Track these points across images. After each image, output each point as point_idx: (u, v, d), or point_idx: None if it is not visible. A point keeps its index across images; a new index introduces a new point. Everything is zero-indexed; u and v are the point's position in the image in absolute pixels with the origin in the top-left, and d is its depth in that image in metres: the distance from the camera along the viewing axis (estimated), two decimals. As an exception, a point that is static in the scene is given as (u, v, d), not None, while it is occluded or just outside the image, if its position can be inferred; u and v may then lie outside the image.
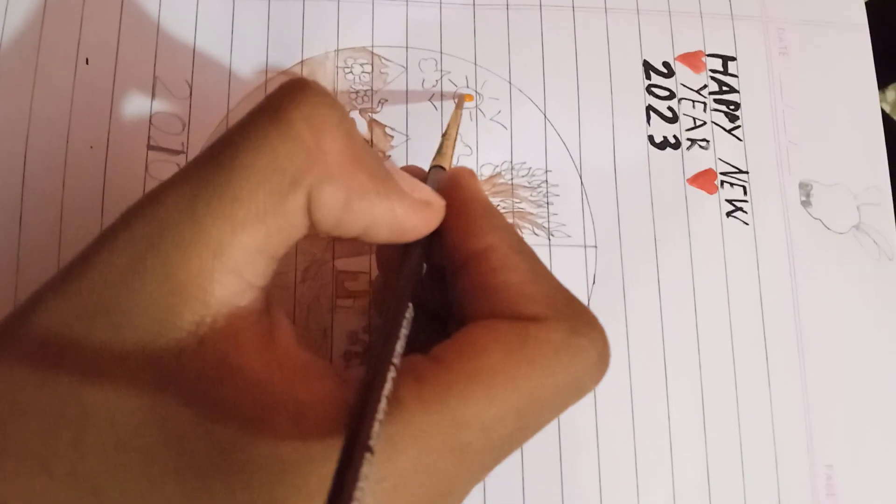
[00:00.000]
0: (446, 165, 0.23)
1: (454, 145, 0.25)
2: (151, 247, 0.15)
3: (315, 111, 0.16)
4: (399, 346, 0.16)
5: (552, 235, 0.28)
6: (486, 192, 0.28)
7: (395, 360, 0.16)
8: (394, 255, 0.21)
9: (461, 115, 0.27)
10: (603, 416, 0.26)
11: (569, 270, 0.28)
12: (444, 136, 0.25)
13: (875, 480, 0.27)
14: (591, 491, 0.26)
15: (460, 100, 0.28)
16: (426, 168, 0.24)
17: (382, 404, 0.15)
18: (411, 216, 0.18)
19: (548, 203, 0.28)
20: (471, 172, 0.21)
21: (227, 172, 0.16)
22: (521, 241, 0.20)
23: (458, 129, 0.26)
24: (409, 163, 0.28)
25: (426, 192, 0.19)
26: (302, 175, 0.16)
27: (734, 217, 0.29)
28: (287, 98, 0.16)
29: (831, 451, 0.27)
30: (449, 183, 0.21)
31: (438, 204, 0.19)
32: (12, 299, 0.26)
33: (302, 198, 0.16)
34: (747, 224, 0.29)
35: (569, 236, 0.28)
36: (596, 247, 0.28)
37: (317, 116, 0.16)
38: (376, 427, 0.14)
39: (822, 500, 0.26)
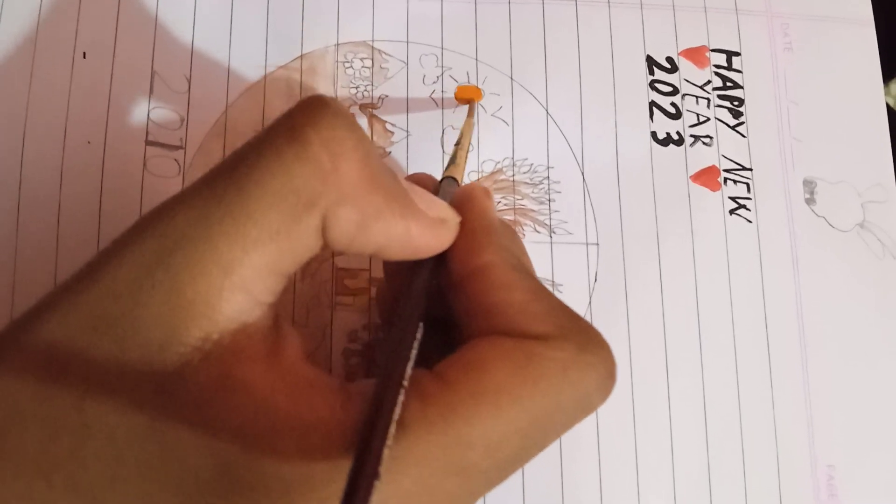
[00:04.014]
0: (459, 176, 0.22)
1: (467, 155, 0.24)
2: (161, 262, 0.15)
3: (333, 133, 0.16)
4: (409, 368, 0.16)
5: (554, 233, 0.28)
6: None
7: (405, 383, 0.16)
8: (401, 265, 0.21)
9: (473, 123, 0.26)
10: (604, 415, 0.26)
11: (570, 268, 0.27)
12: (456, 145, 0.24)
13: (877, 481, 0.27)
14: (591, 489, 0.26)
15: (471, 108, 0.27)
16: (429, 172, 0.23)
17: (392, 429, 0.14)
18: (426, 235, 0.18)
19: (549, 200, 0.28)
20: (486, 191, 0.21)
21: (241, 191, 0.15)
22: (521, 259, 0.19)
23: (470, 138, 0.25)
24: (410, 158, 0.28)
25: (442, 209, 0.19)
26: (317, 197, 0.16)
27: (737, 215, 0.28)
28: (304, 118, 0.16)
29: (833, 451, 0.27)
30: (462, 200, 0.20)
31: (454, 221, 0.19)
32: (10, 293, 0.25)
33: (316, 219, 0.16)
34: (750, 222, 0.28)
35: (570, 233, 0.28)
36: (598, 244, 0.28)
37: (334, 139, 0.16)
38: (385, 454, 0.14)
39: (823, 501, 0.26)
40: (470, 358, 0.17)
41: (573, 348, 0.17)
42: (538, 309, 0.18)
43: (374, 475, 0.13)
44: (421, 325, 0.17)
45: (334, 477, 0.15)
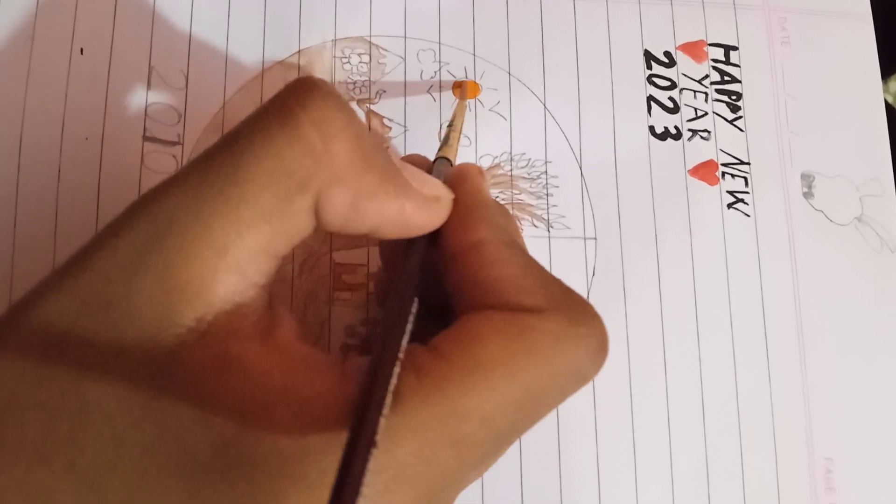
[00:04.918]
0: (452, 157, 0.23)
1: (460, 136, 0.25)
2: (154, 245, 0.15)
3: (324, 114, 0.16)
4: (404, 341, 0.16)
5: (551, 227, 0.28)
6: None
7: (401, 355, 0.16)
8: (396, 248, 0.21)
9: (466, 105, 0.27)
10: (602, 409, 0.26)
11: (568, 262, 0.27)
12: (449, 126, 0.24)
13: (875, 474, 0.27)
14: (589, 482, 0.26)
15: (464, 90, 0.28)
16: (425, 155, 0.24)
17: (388, 399, 0.15)
18: (421, 213, 0.18)
19: (547, 194, 0.28)
20: (480, 170, 0.21)
21: (233, 173, 0.16)
22: (512, 237, 0.19)
23: (463, 119, 0.25)
24: (407, 153, 0.28)
25: (436, 186, 0.19)
26: (309, 178, 0.16)
27: (735, 209, 0.28)
28: (295, 99, 0.16)
29: (831, 444, 0.27)
30: (456, 178, 0.20)
31: (447, 199, 0.19)
32: (8, 290, 0.25)
33: (309, 200, 0.16)
34: (748, 216, 0.28)
35: (568, 228, 0.28)
36: (596, 239, 0.28)
37: (325, 119, 0.16)
38: (382, 423, 0.14)
39: (820, 494, 0.26)
40: (463, 332, 0.17)
41: (565, 320, 0.17)
42: (530, 283, 0.18)
43: (371, 443, 0.14)
44: (416, 300, 0.17)
45: (331, 449, 0.15)
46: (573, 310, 0.17)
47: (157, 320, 0.15)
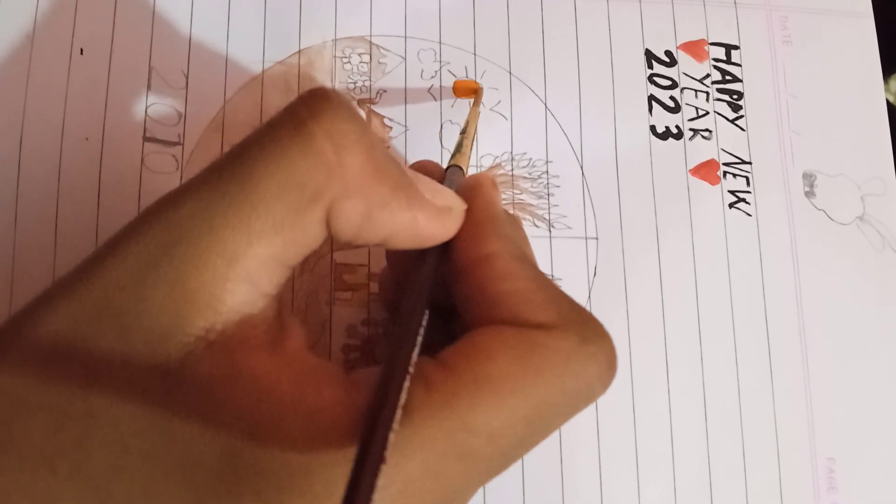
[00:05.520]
0: (464, 165, 0.22)
1: (472, 144, 0.24)
2: (165, 253, 0.15)
3: (337, 126, 0.16)
4: (415, 355, 0.16)
5: (553, 227, 0.28)
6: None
7: (411, 369, 0.16)
8: (406, 253, 0.21)
9: (479, 112, 0.26)
10: (603, 408, 0.26)
11: (570, 262, 0.27)
12: (462, 134, 0.24)
13: (877, 473, 0.27)
14: (591, 483, 0.26)
15: (477, 96, 0.27)
16: (432, 159, 0.23)
17: (398, 415, 0.14)
18: (433, 224, 0.18)
19: (548, 194, 0.28)
20: (493, 182, 0.21)
21: (246, 184, 0.16)
22: (523, 250, 0.19)
23: (476, 126, 0.25)
24: (408, 153, 0.28)
25: (448, 197, 0.19)
26: (322, 190, 0.16)
27: (737, 208, 0.28)
28: (308, 110, 0.16)
29: (833, 444, 0.27)
30: (469, 189, 0.20)
31: (459, 209, 0.19)
32: (9, 291, 0.25)
33: (321, 211, 0.16)
34: (750, 215, 0.28)
35: (570, 228, 0.28)
36: (597, 238, 0.28)
37: (338, 131, 0.16)
38: (391, 438, 0.14)
39: (823, 493, 0.26)
40: (473, 346, 0.17)
41: (575, 338, 0.17)
42: (541, 298, 0.18)
43: (381, 459, 0.13)
44: (427, 312, 0.17)
45: (339, 461, 0.15)
46: (584, 327, 0.17)
47: (166, 329, 0.15)
